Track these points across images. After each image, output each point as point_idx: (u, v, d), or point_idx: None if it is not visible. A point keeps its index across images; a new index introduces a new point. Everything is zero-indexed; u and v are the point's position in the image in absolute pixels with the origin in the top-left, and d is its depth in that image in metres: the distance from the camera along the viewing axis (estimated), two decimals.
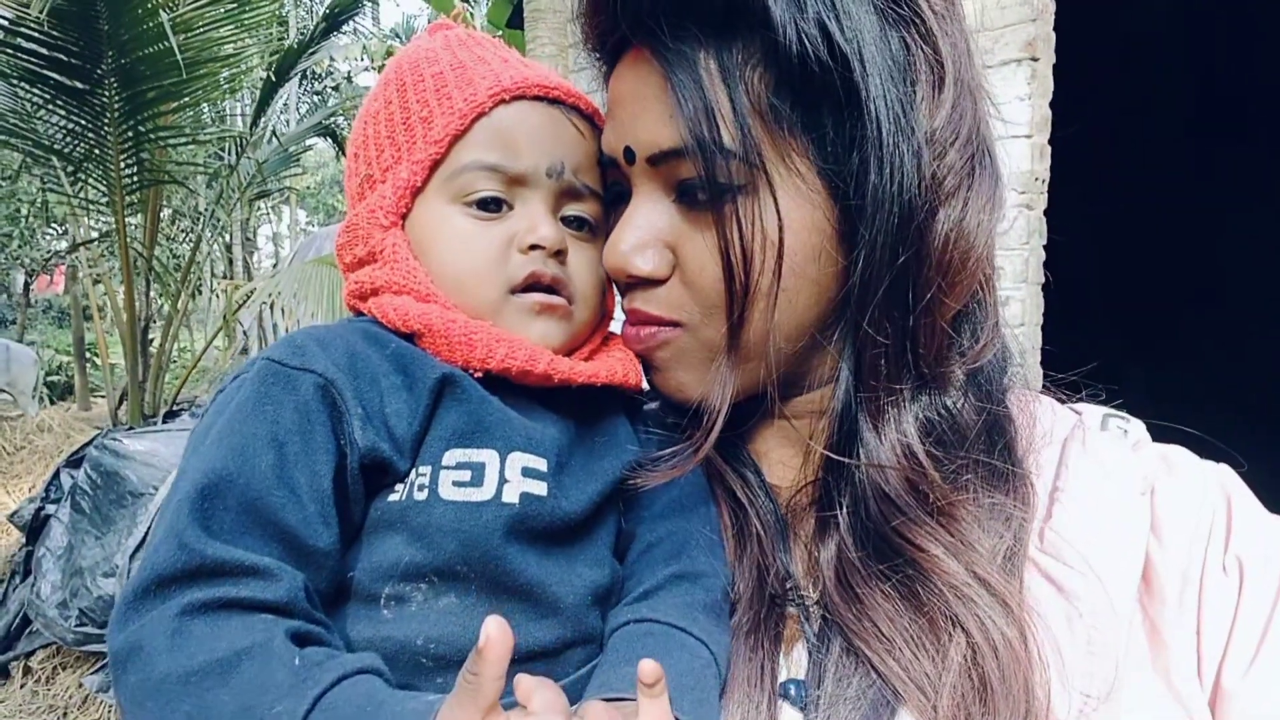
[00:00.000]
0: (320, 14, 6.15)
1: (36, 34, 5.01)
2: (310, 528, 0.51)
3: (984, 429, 0.63)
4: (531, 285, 0.63)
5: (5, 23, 5.05)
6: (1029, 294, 2.88)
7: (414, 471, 0.56)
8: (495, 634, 0.42)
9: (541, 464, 0.58)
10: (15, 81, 5.45)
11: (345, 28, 6.79)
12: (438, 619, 0.54)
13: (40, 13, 4.57)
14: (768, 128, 0.58)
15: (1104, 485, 0.62)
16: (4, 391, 10.05)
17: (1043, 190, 2.92)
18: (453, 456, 0.56)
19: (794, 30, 0.56)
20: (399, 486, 0.56)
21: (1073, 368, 0.72)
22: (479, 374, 0.59)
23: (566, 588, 0.57)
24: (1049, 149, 2.92)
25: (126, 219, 5.96)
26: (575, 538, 0.60)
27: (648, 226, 0.63)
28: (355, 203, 0.68)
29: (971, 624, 0.56)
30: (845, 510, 0.62)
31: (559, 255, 0.64)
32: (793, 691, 0.60)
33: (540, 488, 0.57)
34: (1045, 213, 2.94)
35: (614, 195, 0.69)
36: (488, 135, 0.63)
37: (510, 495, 0.55)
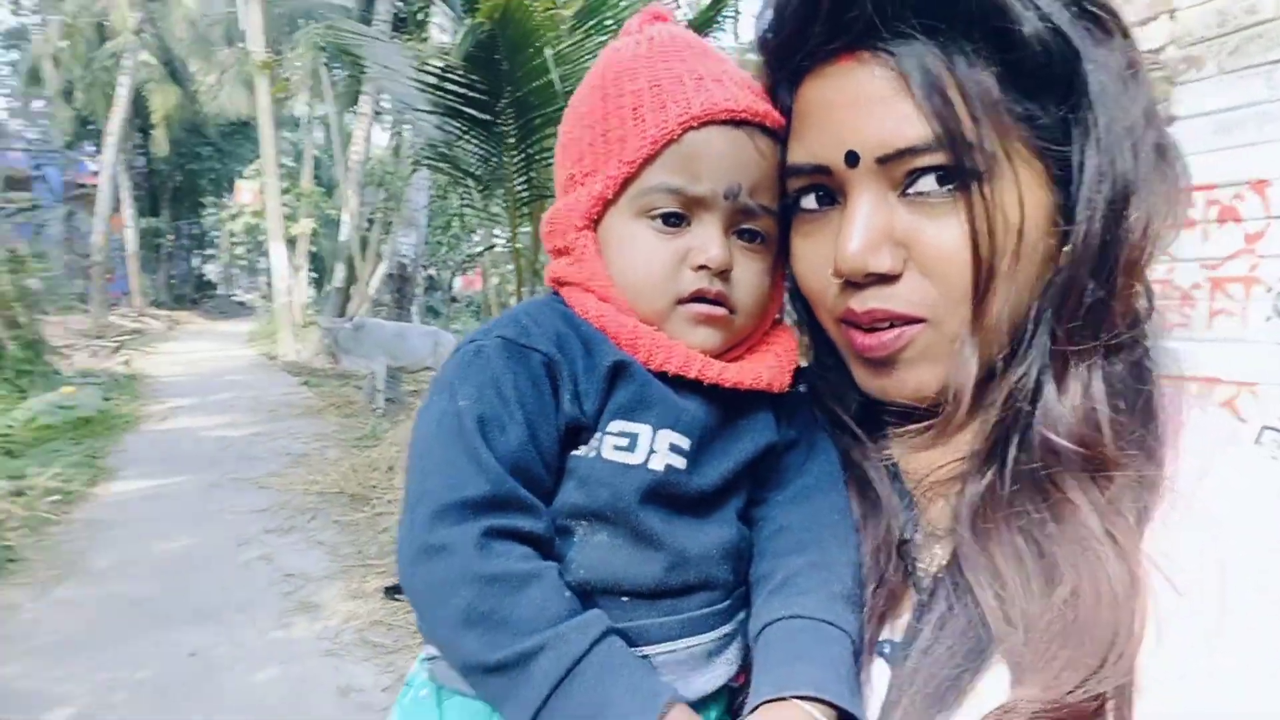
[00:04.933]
0: None
1: (456, 78, 6.02)
2: (544, 480, 0.66)
3: (1142, 407, 0.65)
4: (697, 297, 0.71)
5: (438, 70, 6.15)
6: None
7: (592, 437, 0.68)
8: None
9: (685, 442, 0.68)
10: (442, 116, 6.60)
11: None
12: (591, 551, 0.66)
13: (457, 57, 5.45)
14: (997, 118, 0.62)
15: (1248, 498, 0.61)
16: (431, 369, 12.30)
17: None
18: (616, 426, 0.67)
19: (1030, 27, 0.60)
20: (580, 448, 0.68)
21: None
22: None
23: (693, 543, 0.67)
24: None
25: (519, 230, 6.92)
26: (706, 507, 0.69)
27: (876, 225, 0.65)
28: (561, 193, 0.77)
29: (1085, 572, 0.58)
30: (1005, 464, 0.65)
31: (724, 273, 0.71)
32: (887, 650, 0.66)
33: (681, 463, 0.67)
34: None
35: (819, 198, 0.70)
36: (674, 160, 0.70)
37: (656, 464, 0.66)
